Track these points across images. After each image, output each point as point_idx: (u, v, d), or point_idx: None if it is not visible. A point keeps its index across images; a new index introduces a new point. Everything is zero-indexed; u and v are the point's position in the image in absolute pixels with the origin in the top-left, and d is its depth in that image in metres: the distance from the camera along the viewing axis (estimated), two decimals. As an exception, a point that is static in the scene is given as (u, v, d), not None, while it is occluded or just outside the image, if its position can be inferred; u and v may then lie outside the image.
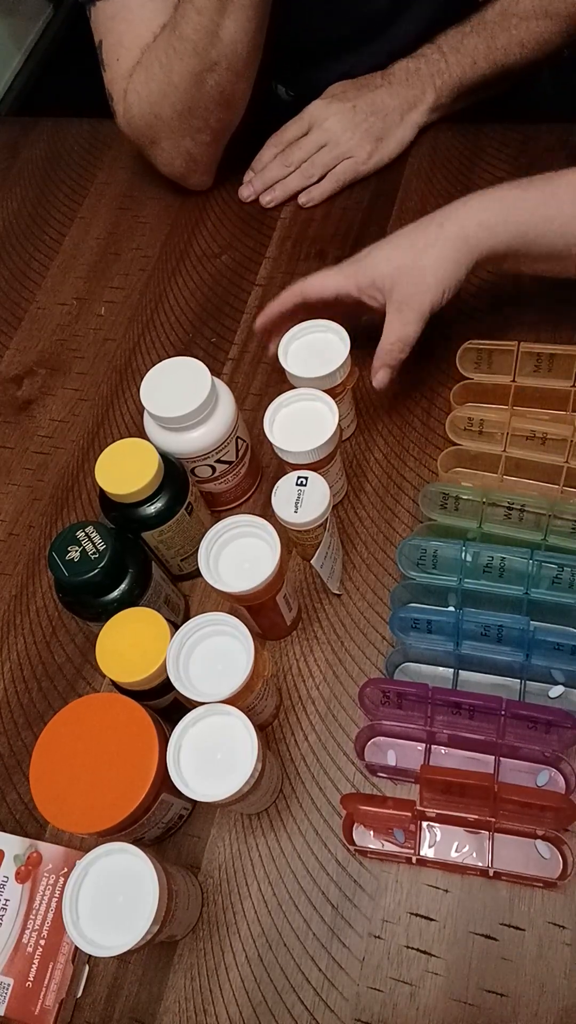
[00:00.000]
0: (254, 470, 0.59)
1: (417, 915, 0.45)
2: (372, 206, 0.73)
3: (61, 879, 0.46)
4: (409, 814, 0.45)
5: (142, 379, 0.50)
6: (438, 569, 0.52)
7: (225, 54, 0.64)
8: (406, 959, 0.44)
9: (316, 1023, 0.43)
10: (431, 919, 0.45)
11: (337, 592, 0.55)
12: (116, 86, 0.69)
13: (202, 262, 0.74)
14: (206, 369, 0.50)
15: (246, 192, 0.77)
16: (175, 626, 0.43)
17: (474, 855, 0.45)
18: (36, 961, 0.44)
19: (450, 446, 0.57)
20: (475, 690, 0.50)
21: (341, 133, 0.72)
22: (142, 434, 0.51)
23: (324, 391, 0.50)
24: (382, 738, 0.50)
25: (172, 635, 0.43)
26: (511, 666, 0.49)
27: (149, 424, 0.52)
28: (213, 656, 0.42)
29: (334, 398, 0.50)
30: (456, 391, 0.59)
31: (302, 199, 0.75)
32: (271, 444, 0.49)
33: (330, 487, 0.48)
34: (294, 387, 0.51)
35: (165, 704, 0.46)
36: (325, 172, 0.74)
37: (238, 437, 0.54)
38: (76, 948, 0.44)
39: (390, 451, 0.60)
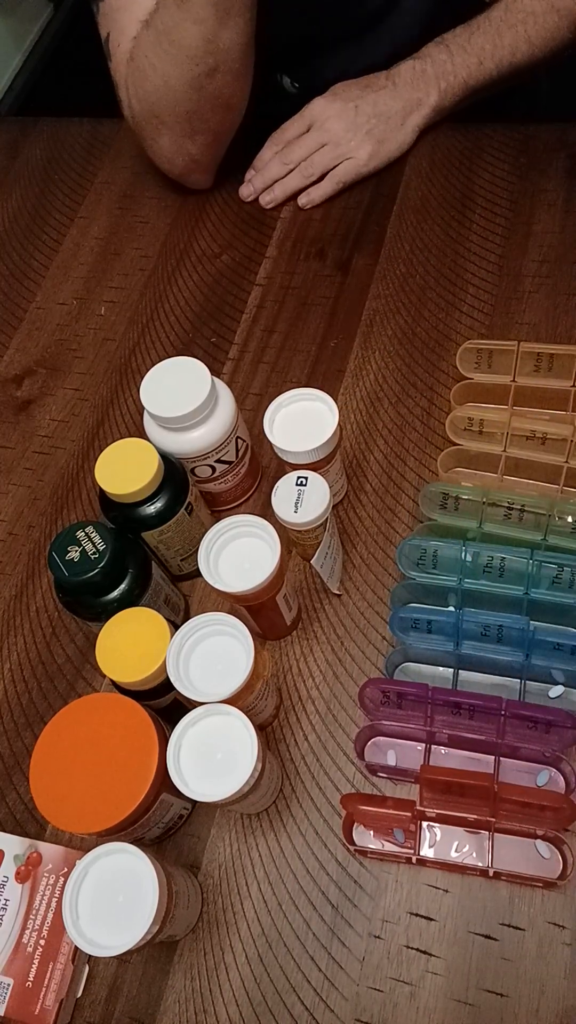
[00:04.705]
0: (254, 470, 0.59)
1: (417, 915, 0.45)
2: (372, 206, 0.73)
3: (61, 879, 0.46)
4: (409, 814, 0.45)
5: (142, 379, 0.50)
6: (438, 569, 0.52)
7: (224, 60, 0.63)
8: (406, 959, 0.44)
9: (316, 1023, 0.43)
10: (431, 919, 0.45)
11: (337, 592, 0.55)
12: (118, 74, 0.69)
13: (202, 262, 0.74)
14: (206, 369, 0.50)
15: (246, 191, 0.77)
16: (175, 626, 0.43)
17: (474, 855, 0.45)
18: (36, 961, 0.44)
19: (450, 446, 0.57)
20: (475, 690, 0.50)
21: (342, 134, 0.72)
22: (142, 434, 0.51)
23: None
24: (382, 738, 0.50)
25: (172, 635, 0.43)
26: (511, 666, 0.49)
27: (149, 424, 0.52)
28: (213, 656, 0.42)
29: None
30: (456, 391, 0.59)
31: (302, 200, 0.75)
32: (271, 444, 0.49)
33: (330, 487, 0.48)
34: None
35: (165, 704, 0.46)
36: (324, 172, 0.74)
37: (238, 437, 0.54)
38: (76, 948, 0.44)
39: (390, 451, 0.60)
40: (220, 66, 0.64)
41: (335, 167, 0.73)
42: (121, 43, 0.68)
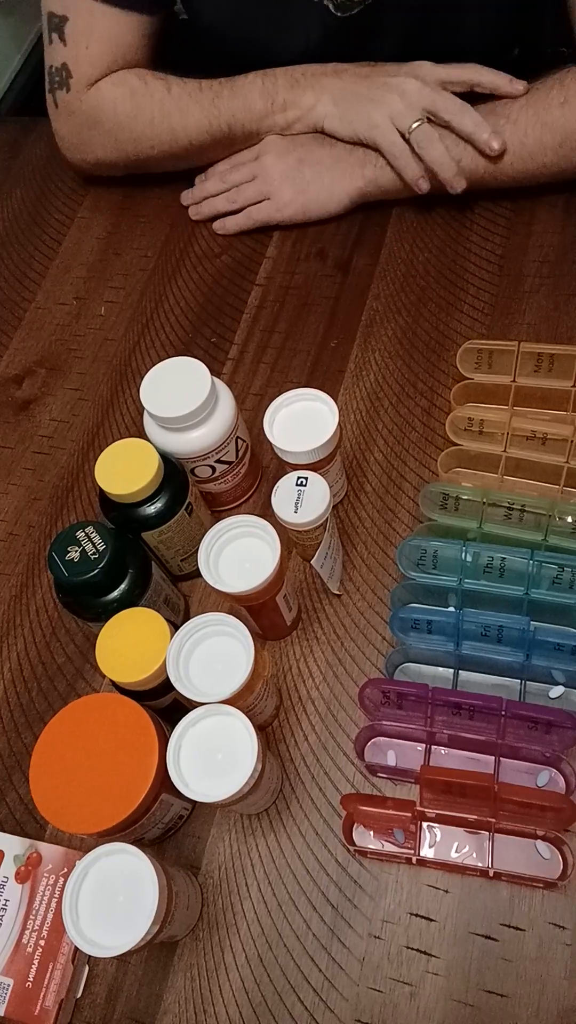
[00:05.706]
0: (254, 470, 0.59)
1: (417, 915, 0.45)
2: (372, 206, 0.73)
3: (61, 879, 0.46)
4: (409, 814, 0.45)
5: (142, 379, 0.50)
6: (438, 569, 0.52)
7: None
8: (406, 959, 0.44)
9: (316, 1023, 0.43)
10: (431, 919, 0.45)
11: (337, 592, 0.55)
12: (80, 74, 0.69)
13: (202, 262, 0.74)
14: (206, 369, 0.50)
15: (184, 199, 0.77)
16: (175, 626, 0.43)
17: (474, 855, 0.45)
18: (36, 961, 0.44)
19: (450, 446, 0.57)
20: (475, 690, 0.50)
21: (273, 172, 0.71)
22: (142, 434, 0.51)
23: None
24: (382, 738, 0.50)
25: (172, 635, 0.43)
26: (511, 666, 0.49)
27: (149, 424, 0.52)
28: (213, 656, 0.42)
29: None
30: (456, 391, 0.59)
31: (216, 226, 0.75)
32: (271, 444, 0.49)
33: (330, 487, 0.48)
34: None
35: (165, 704, 0.46)
36: (247, 204, 0.73)
37: (238, 437, 0.54)
38: (76, 948, 0.44)
39: (390, 451, 0.60)
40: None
41: (258, 202, 0.72)
42: (90, 46, 0.68)
